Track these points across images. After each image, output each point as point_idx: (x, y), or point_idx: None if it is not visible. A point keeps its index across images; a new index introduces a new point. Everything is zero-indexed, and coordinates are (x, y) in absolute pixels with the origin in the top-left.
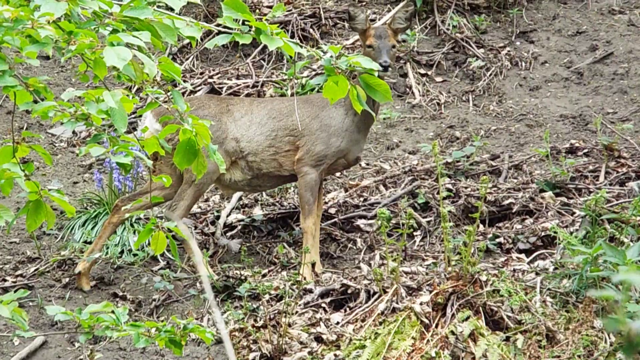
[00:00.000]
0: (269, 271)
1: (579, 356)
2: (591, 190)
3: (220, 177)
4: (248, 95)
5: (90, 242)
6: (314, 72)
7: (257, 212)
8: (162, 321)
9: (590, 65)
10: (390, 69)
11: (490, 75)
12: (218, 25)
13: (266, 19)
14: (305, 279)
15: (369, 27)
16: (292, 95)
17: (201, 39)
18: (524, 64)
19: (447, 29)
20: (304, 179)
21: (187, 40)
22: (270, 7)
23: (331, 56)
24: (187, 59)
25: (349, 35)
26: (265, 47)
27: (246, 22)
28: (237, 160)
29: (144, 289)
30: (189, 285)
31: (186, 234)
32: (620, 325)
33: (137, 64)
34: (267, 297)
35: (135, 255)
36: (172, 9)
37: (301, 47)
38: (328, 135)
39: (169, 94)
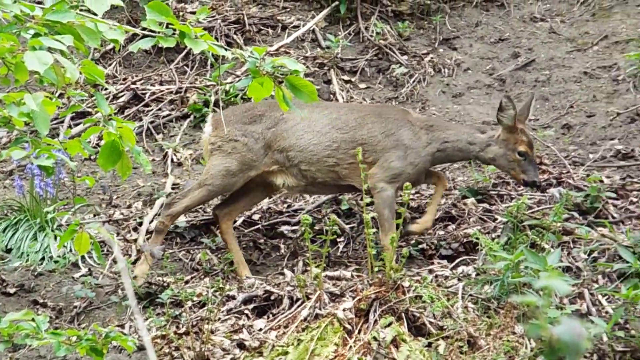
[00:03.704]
0: (192, 278)
1: None
2: (513, 196)
3: (273, 183)
4: (171, 101)
5: (10, 250)
6: (237, 79)
7: (180, 219)
8: (84, 329)
9: (512, 72)
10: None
11: (414, 82)
12: (142, 29)
13: (190, 22)
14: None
15: (517, 126)
16: (216, 101)
17: (124, 45)
18: (447, 70)
19: (371, 36)
20: (381, 196)
21: (110, 46)
22: (194, 13)
23: (256, 58)
24: (109, 65)
25: (273, 42)
26: (188, 53)
27: (170, 26)
28: (287, 168)
29: (65, 296)
30: (111, 292)
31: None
32: (542, 331)
33: (59, 68)
34: (189, 303)
35: (56, 262)
36: (95, 14)
37: (226, 50)
38: (405, 154)
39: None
